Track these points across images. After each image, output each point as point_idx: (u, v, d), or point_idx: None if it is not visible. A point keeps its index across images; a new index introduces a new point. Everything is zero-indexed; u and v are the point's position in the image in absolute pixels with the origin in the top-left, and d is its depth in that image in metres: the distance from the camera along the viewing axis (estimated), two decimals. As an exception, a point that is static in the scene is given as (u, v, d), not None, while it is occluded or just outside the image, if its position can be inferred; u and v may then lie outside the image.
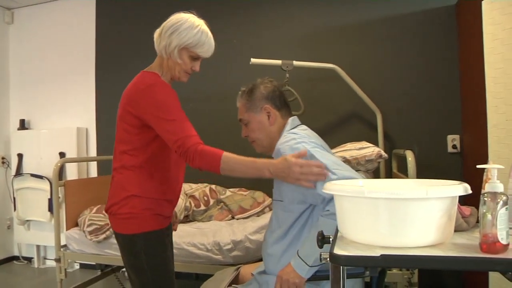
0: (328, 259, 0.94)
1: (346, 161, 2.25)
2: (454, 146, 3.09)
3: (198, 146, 1.47)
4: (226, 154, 1.46)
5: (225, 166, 1.45)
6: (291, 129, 1.64)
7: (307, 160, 1.41)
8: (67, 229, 2.82)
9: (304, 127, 1.65)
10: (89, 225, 2.68)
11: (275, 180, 1.61)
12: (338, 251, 0.92)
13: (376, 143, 2.69)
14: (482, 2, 2.20)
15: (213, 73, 3.39)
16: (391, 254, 0.87)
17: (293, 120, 1.68)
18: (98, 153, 3.71)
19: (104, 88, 3.76)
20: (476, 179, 2.86)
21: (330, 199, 1.37)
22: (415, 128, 3.15)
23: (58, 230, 2.74)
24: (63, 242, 2.81)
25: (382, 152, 2.29)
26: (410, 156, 2.23)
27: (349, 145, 2.41)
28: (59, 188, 2.78)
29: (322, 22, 3.33)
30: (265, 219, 2.64)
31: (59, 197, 2.78)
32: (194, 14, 1.64)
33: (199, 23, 1.60)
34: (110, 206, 1.65)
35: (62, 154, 3.64)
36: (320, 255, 1.01)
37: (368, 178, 2.31)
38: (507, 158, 2.01)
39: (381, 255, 0.87)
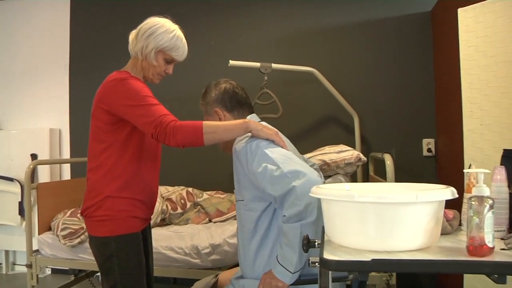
0: (317, 264, 0.94)
1: (326, 164, 2.26)
2: (429, 150, 3.16)
3: (177, 122, 1.49)
4: (205, 122, 1.50)
5: (208, 130, 1.48)
6: None
7: None
8: (39, 234, 2.73)
9: (264, 123, 1.62)
10: (63, 229, 2.60)
11: (235, 179, 1.66)
12: (328, 256, 0.92)
13: (353, 146, 2.71)
14: (458, 10, 2.25)
15: (190, 74, 3.36)
16: (382, 259, 0.87)
17: (251, 117, 1.70)
18: (72, 155, 3.61)
19: (78, 88, 3.67)
20: (451, 182, 2.94)
21: (282, 198, 1.38)
22: (391, 132, 3.20)
23: (30, 234, 2.65)
24: (35, 247, 2.71)
25: (361, 156, 2.32)
26: (388, 160, 2.26)
27: (327, 149, 2.43)
28: (31, 191, 2.69)
29: (300, 24, 3.34)
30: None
31: (31, 201, 2.69)
32: (169, 19, 1.69)
33: (175, 28, 1.66)
34: (86, 209, 1.62)
35: (34, 156, 3.52)
36: (309, 260, 1.00)
37: (347, 181, 2.33)
38: (481, 162, 2.06)
39: (372, 259, 0.87)
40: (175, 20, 1.71)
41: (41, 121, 3.71)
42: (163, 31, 1.62)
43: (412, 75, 3.19)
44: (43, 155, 3.52)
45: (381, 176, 2.66)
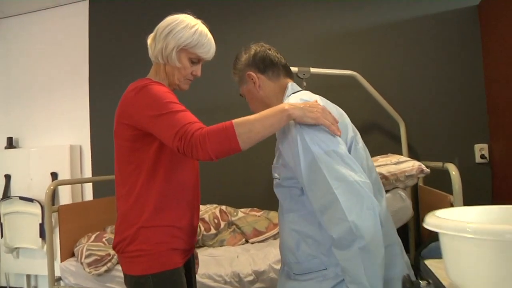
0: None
1: (383, 177, 1.99)
2: (482, 156, 2.87)
3: (203, 129, 1.20)
4: (235, 120, 1.20)
5: (242, 130, 1.18)
6: (292, 93, 1.39)
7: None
8: (62, 260, 2.51)
9: (304, 95, 1.34)
10: (87, 256, 2.37)
11: (276, 153, 1.37)
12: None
13: (400, 155, 2.45)
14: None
15: (219, 82, 3.13)
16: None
17: (292, 85, 1.43)
18: (94, 173, 3.39)
19: (98, 102, 3.46)
20: (507, 190, 2.69)
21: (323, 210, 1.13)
22: (440, 138, 2.92)
23: (52, 261, 2.42)
24: (57, 274, 2.49)
25: (423, 167, 2.04)
26: (454, 170, 1.98)
27: (381, 159, 2.16)
28: (52, 213, 2.46)
29: (338, 25, 3.10)
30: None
31: (52, 224, 2.46)
32: (189, 14, 1.47)
33: (196, 22, 1.44)
34: (118, 243, 1.37)
35: (54, 175, 3.32)
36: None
37: (406, 195, 2.05)
38: None
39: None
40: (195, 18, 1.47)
41: (60, 138, 3.52)
42: (183, 27, 1.40)
43: (459, 75, 2.91)
44: (63, 173, 3.31)
45: (433, 186, 2.37)
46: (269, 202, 3.09)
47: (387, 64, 3.01)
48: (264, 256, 2.26)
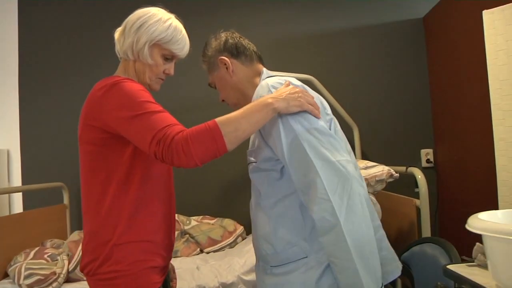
0: None
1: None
2: (428, 161, 3.02)
3: (185, 131, 1.07)
4: (218, 119, 1.09)
5: (227, 129, 1.07)
6: (268, 77, 1.33)
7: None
8: (-7, 283, 2.17)
9: (277, 81, 1.27)
10: (27, 276, 2.07)
11: (251, 139, 1.31)
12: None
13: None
14: (484, 12, 2.10)
15: (179, 82, 2.96)
16: None
17: (266, 70, 1.38)
18: (24, 181, 3.01)
19: (30, 100, 3.09)
20: (453, 193, 2.85)
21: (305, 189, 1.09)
22: (389, 143, 3.03)
23: (-19, 285, 2.09)
24: (-14, 300, 2.16)
25: (393, 171, 2.08)
26: (419, 174, 2.04)
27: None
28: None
29: (295, 29, 3.11)
30: (249, 254, 2.25)
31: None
32: (161, 8, 1.34)
33: (169, 17, 1.32)
34: (87, 264, 1.19)
35: (-25, 183, 2.90)
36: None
37: (376, 200, 2.07)
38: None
39: None
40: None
41: (-16, 141, 3.08)
42: (156, 20, 1.27)
43: (407, 83, 3.06)
44: (-13, 182, 2.90)
45: (391, 190, 2.42)
46: (221, 209, 2.97)
47: (342, 69, 3.06)
48: (229, 267, 2.15)
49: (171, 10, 1.35)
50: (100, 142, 1.17)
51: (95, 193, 1.20)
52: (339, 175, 1.05)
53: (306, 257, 1.15)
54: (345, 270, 1.03)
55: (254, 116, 1.09)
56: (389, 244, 1.29)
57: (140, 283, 1.18)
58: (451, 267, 1.13)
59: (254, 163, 1.25)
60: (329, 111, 1.26)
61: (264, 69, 1.38)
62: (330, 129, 1.18)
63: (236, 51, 1.36)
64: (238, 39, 1.38)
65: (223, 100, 1.43)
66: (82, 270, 1.21)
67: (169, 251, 1.33)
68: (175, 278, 1.53)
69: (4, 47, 3.11)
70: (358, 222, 1.04)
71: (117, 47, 1.32)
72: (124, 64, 1.32)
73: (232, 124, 1.08)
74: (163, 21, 1.28)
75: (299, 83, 1.25)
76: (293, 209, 1.17)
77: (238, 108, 1.32)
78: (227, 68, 1.35)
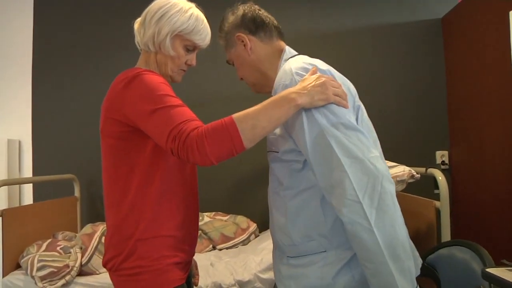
0: None
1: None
2: (443, 163, 2.99)
3: (200, 128, 1.02)
4: (236, 115, 1.03)
5: (245, 126, 1.01)
6: (290, 57, 1.25)
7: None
8: (5, 274, 2.14)
9: (303, 61, 1.18)
10: (40, 268, 2.05)
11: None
12: None
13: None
14: (510, 12, 2.07)
15: (211, 73, 2.93)
16: None
17: (289, 48, 1.31)
18: (35, 172, 2.98)
19: (42, 91, 3.06)
20: (468, 196, 2.82)
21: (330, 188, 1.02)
22: (402, 144, 2.99)
23: (-7, 275, 2.07)
24: (-2, 291, 2.13)
25: (414, 172, 2.04)
26: (440, 176, 2.00)
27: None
28: (-6, 219, 2.11)
29: (307, 27, 3.07)
30: (265, 251, 2.22)
31: (-6, 232, 2.11)
32: None
33: (190, 6, 1.28)
34: (110, 259, 1.17)
35: (-14, 173, 2.87)
36: None
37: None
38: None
39: None
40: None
41: (-4, 130, 3.05)
42: (177, 10, 1.24)
43: (423, 84, 3.03)
44: (-2, 172, 2.87)
45: (408, 191, 2.39)
46: (234, 205, 2.94)
47: (358, 69, 3.02)
48: (245, 264, 2.12)
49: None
50: (121, 135, 1.15)
51: (117, 188, 1.17)
52: (369, 174, 0.98)
53: (325, 251, 1.11)
54: (378, 274, 0.98)
55: (274, 112, 1.02)
56: (411, 242, 1.24)
57: (164, 279, 1.15)
58: (491, 270, 1.09)
59: (275, 153, 1.19)
60: (356, 97, 1.18)
61: (287, 47, 1.30)
62: (357, 117, 1.12)
63: (254, 27, 1.28)
64: (256, 12, 1.30)
65: (241, 79, 1.36)
66: (104, 265, 1.19)
67: (192, 246, 1.30)
68: (197, 274, 1.50)
69: (19, 39, 3.09)
70: (391, 224, 0.98)
71: (137, 38, 1.29)
72: (145, 56, 1.29)
73: (250, 120, 1.01)
74: (184, 11, 1.24)
75: (325, 66, 1.16)
76: (313, 203, 1.12)
77: (257, 88, 1.33)
78: (244, 46, 1.27)
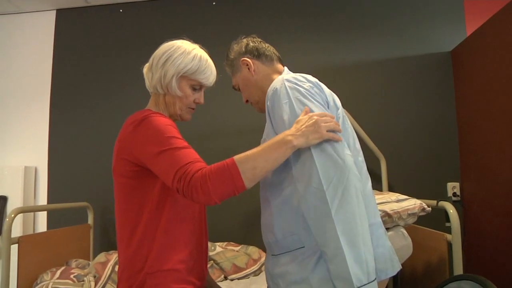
0: None
1: (387, 215, 1.96)
2: (454, 194, 2.98)
3: (204, 169, 1.09)
4: (237, 157, 1.11)
5: (245, 166, 1.08)
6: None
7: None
8: (19, 301, 2.17)
9: (297, 80, 1.30)
10: (54, 296, 2.07)
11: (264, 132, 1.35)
12: None
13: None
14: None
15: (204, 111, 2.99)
16: None
17: (288, 70, 1.47)
18: (50, 199, 3.04)
19: (60, 119, 3.15)
20: (480, 228, 2.80)
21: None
22: (415, 176, 3.00)
23: (7, 303, 2.08)
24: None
25: (425, 205, 2.05)
26: (451, 209, 2.01)
27: (379, 196, 2.14)
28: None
29: (319, 61, 3.13)
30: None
31: (10, 258, 2.13)
32: (185, 40, 1.41)
33: (194, 47, 1.38)
34: None
35: (3, 199, 2.92)
36: None
37: (407, 234, 2.04)
38: None
39: None
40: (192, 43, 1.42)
41: (14, 158, 3.13)
42: (181, 53, 1.33)
43: (434, 116, 3.05)
44: (14, 198, 2.93)
45: (419, 224, 2.39)
46: (246, 235, 2.96)
47: (369, 101, 3.07)
48: (257, 295, 2.12)
49: (200, 40, 1.41)
50: (132, 175, 1.22)
51: (128, 224, 1.23)
52: (337, 167, 1.07)
53: (303, 247, 1.18)
54: (334, 258, 1.04)
55: (272, 154, 1.11)
56: (389, 244, 1.29)
57: None
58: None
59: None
60: (340, 109, 1.32)
61: (286, 68, 1.47)
62: (338, 121, 1.24)
63: (257, 52, 1.46)
64: (258, 42, 1.48)
65: (247, 101, 1.50)
66: None
67: (201, 280, 1.33)
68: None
69: (39, 67, 3.21)
70: (352, 213, 1.05)
71: (147, 82, 1.38)
72: (155, 98, 1.38)
73: (250, 162, 1.09)
74: (187, 52, 1.33)
75: (314, 79, 1.30)
76: (294, 199, 1.20)
77: (260, 105, 1.45)
78: (249, 68, 1.43)
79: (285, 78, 1.25)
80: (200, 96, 1.39)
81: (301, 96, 1.20)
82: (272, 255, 1.29)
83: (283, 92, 1.21)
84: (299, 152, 1.13)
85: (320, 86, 1.29)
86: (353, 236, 1.04)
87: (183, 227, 1.27)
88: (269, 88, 1.27)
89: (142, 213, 1.21)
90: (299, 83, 1.24)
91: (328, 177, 1.06)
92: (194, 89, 1.37)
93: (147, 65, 1.39)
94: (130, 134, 1.21)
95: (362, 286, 1.02)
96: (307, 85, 1.25)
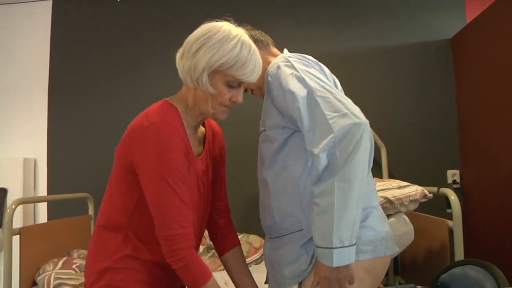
0: None
1: (388, 202, 1.98)
2: (454, 182, 2.99)
3: (190, 252, 1.10)
4: (210, 282, 1.13)
5: None
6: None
7: None
8: (22, 292, 2.17)
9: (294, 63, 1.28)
10: (57, 286, 2.08)
11: (263, 109, 1.32)
12: None
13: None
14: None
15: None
16: None
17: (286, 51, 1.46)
18: (50, 190, 3.04)
19: (58, 111, 3.14)
20: (480, 215, 2.81)
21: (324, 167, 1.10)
22: (415, 163, 3.01)
23: (10, 295, 2.08)
24: (14, 309, 2.14)
25: (426, 192, 2.06)
26: (452, 195, 2.01)
27: (380, 183, 2.14)
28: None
29: (317, 49, 3.11)
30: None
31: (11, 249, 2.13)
32: (230, 23, 1.17)
33: (238, 33, 1.13)
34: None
35: (3, 191, 2.92)
36: None
37: (408, 220, 2.05)
38: None
39: None
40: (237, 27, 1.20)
41: (13, 149, 3.11)
42: (218, 40, 1.10)
43: (434, 104, 3.05)
44: (14, 190, 2.92)
45: (419, 211, 2.39)
46: (247, 224, 2.95)
47: (369, 89, 3.06)
48: (259, 283, 2.12)
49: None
50: (126, 167, 1.16)
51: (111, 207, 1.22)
52: (352, 122, 1.05)
53: (302, 229, 1.21)
54: (324, 213, 1.06)
55: None
56: (383, 229, 1.26)
57: None
58: (508, 290, 1.11)
59: (263, 131, 1.30)
60: (339, 88, 1.38)
61: (285, 50, 1.46)
62: None
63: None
64: (251, 29, 1.44)
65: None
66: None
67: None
68: None
69: (36, 58, 3.18)
70: (354, 174, 1.05)
71: (179, 71, 1.18)
72: (186, 90, 1.19)
73: None
74: (226, 40, 1.10)
75: (314, 60, 1.32)
76: (292, 180, 1.22)
77: (262, 91, 1.38)
78: None
79: (287, 55, 1.26)
80: (238, 94, 1.16)
81: (305, 67, 1.21)
82: (270, 238, 1.31)
83: (289, 65, 1.22)
84: (312, 115, 1.11)
85: (320, 65, 1.32)
86: (349, 197, 1.05)
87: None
88: (270, 65, 1.27)
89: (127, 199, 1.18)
90: (301, 57, 1.26)
91: (344, 132, 1.05)
92: (230, 86, 1.14)
93: (180, 50, 1.17)
94: (131, 141, 1.11)
95: (341, 247, 1.04)
96: (310, 59, 1.29)
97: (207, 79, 1.10)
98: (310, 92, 1.13)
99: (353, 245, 1.06)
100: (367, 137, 1.07)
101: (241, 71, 1.11)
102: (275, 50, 1.46)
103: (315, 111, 1.10)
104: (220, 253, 1.43)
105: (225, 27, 1.13)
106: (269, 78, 1.24)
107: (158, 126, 1.07)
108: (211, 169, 1.34)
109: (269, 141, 1.27)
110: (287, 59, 1.23)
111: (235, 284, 1.42)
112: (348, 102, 1.12)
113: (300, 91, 1.14)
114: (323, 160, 1.07)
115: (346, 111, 1.08)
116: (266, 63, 1.37)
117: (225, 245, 1.43)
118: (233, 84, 1.14)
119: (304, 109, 1.12)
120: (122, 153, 1.15)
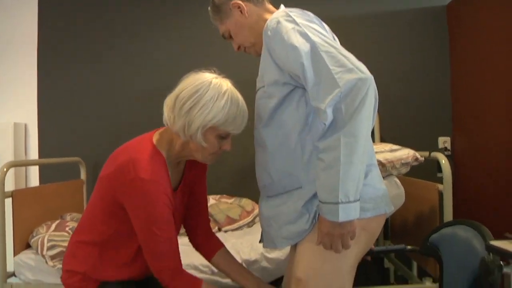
0: None
1: (380, 164, 1.99)
2: (445, 149, 3.02)
3: (178, 273, 1.27)
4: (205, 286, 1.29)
5: None
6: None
7: None
8: (15, 253, 2.18)
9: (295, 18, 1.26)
10: (50, 248, 2.08)
11: (260, 65, 1.32)
12: None
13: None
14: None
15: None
16: None
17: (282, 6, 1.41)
18: (41, 155, 3.01)
19: (48, 74, 3.07)
20: (469, 181, 2.85)
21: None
22: (407, 129, 3.02)
23: (4, 255, 2.10)
24: (9, 269, 2.16)
25: (418, 155, 2.08)
26: (443, 159, 2.04)
27: (374, 146, 2.15)
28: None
29: (314, 13, 3.04)
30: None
31: (4, 212, 2.13)
32: (214, 72, 1.24)
33: (226, 88, 1.19)
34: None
35: (-7, 156, 2.89)
36: None
37: (397, 182, 2.07)
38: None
39: None
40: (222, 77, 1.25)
41: (3, 115, 3.06)
42: (209, 99, 1.16)
43: (427, 71, 3.05)
44: (5, 155, 2.89)
45: (409, 175, 2.42)
46: (239, 188, 2.98)
47: (362, 55, 2.96)
48: (251, 245, 2.16)
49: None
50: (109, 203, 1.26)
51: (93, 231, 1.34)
52: (358, 78, 1.05)
53: (301, 187, 1.21)
54: (329, 168, 1.06)
55: None
56: (381, 186, 1.31)
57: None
58: (495, 243, 1.14)
59: (262, 88, 1.28)
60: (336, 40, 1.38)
61: (282, 5, 1.40)
62: None
63: None
64: None
65: (238, 48, 1.43)
66: None
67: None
68: None
69: (24, 23, 3.10)
70: (360, 128, 1.04)
71: (165, 118, 1.22)
72: (173, 137, 1.26)
73: None
74: (216, 99, 1.16)
75: (312, 14, 1.29)
76: (292, 139, 1.22)
77: (257, 48, 1.37)
78: (241, 11, 1.36)
79: (287, 10, 1.23)
80: (227, 143, 1.26)
81: (307, 22, 1.19)
82: (267, 196, 1.31)
83: (290, 19, 1.19)
84: (317, 70, 1.10)
85: (320, 21, 1.30)
86: (355, 152, 1.04)
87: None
88: (269, 20, 1.24)
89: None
90: (302, 12, 1.24)
91: (348, 88, 1.04)
92: (221, 137, 1.23)
93: (168, 101, 1.21)
94: (123, 186, 1.19)
95: (347, 202, 1.05)
96: (311, 15, 1.27)
97: (201, 136, 1.18)
98: (314, 47, 1.11)
99: (357, 200, 1.07)
100: (372, 93, 1.06)
101: (232, 125, 1.20)
102: (270, 6, 1.42)
103: (319, 66, 1.09)
104: (208, 257, 1.51)
105: (214, 81, 1.18)
106: (269, 33, 1.21)
107: (146, 184, 1.16)
108: (188, 195, 1.45)
109: (267, 97, 1.25)
110: (288, 13, 1.20)
111: (236, 282, 1.48)
112: (353, 57, 1.11)
113: (303, 46, 1.11)
114: (329, 115, 1.06)
115: (352, 66, 1.06)
116: (261, 20, 1.35)
117: (210, 248, 1.52)
118: (224, 135, 1.23)
119: (308, 64, 1.10)
120: (107, 188, 1.23)
